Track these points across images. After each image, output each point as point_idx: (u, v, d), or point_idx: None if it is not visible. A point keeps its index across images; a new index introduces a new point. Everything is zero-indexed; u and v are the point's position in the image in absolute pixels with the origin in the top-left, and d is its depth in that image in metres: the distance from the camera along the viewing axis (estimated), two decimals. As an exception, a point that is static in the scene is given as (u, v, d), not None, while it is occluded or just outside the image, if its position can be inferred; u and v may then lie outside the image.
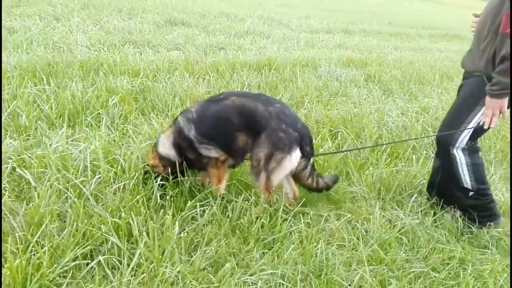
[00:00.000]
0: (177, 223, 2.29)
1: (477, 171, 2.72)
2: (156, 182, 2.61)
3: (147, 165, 2.76)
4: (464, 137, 2.65)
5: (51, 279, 1.85)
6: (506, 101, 2.42)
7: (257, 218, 2.45)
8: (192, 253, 2.22)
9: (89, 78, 4.40)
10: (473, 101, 2.58)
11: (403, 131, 4.23)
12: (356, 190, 3.05)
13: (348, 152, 3.41)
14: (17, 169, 2.55)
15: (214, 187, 2.68)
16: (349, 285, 2.06)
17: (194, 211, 2.49)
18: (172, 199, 2.59)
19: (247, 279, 2.01)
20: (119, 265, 2.02)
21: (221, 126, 2.54)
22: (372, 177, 3.17)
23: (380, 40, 10.95)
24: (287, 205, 2.69)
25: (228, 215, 2.52)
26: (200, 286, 1.94)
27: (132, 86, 4.40)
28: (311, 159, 2.62)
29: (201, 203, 2.54)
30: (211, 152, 2.60)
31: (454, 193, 2.82)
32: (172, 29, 8.32)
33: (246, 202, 2.59)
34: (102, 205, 2.43)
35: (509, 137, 3.82)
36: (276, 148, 2.43)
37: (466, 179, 2.74)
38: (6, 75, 4.10)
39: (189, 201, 2.52)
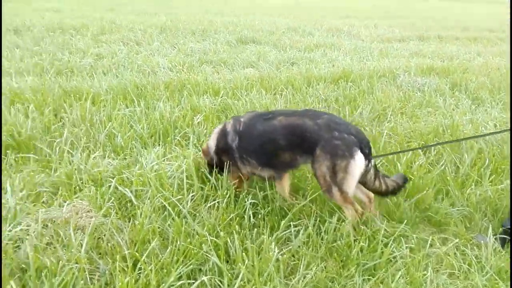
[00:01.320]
0: (273, 243, 2.25)
1: None
2: (248, 200, 2.60)
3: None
4: None
5: (159, 297, 1.89)
6: None
7: (355, 240, 2.33)
8: (290, 277, 2.15)
9: (174, 98, 4.60)
10: None
11: (502, 144, 3.85)
12: (458, 211, 2.79)
13: (446, 168, 3.15)
14: (119, 188, 2.69)
15: (232, 184, 2.74)
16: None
17: (288, 231, 2.43)
18: (264, 218, 2.56)
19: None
20: (221, 285, 2.01)
21: (265, 145, 2.58)
22: (476, 196, 2.89)
23: (459, 46, 10.28)
24: (367, 212, 2.59)
25: (323, 236, 2.43)
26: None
27: (214, 105, 4.52)
28: (372, 161, 2.52)
29: (294, 222, 2.48)
30: (246, 167, 2.71)
31: None
32: (244, 47, 8.52)
33: (342, 222, 2.48)
34: (198, 223, 2.47)
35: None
36: (336, 157, 2.36)
37: None
38: (100, 98, 4.42)
39: (282, 220, 2.48)
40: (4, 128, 3.48)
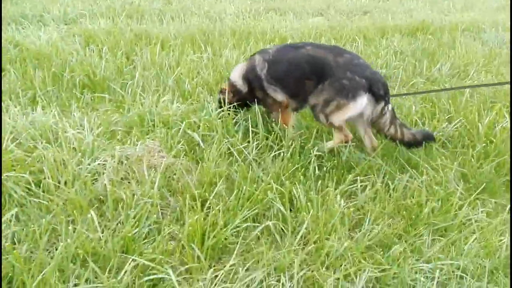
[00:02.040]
0: (338, 196, 2.21)
1: None
2: (313, 152, 2.55)
3: (219, 91, 2.99)
4: None
5: (225, 237, 1.95)
6: None
7: (426, 201, 2.22)
8: (355, 230, 2.12)
9: (240, 45, 4.53)
10: None
11: None
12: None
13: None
14: (188, 131, 2.74)
15: (283, 127, 2.80)
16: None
17: (354, 185, 2.37)
18: (329, 171, 2.51)
19: (422, 266, 1.83)
20: (285, 232, 2.03)
21: (292, 71, 2.65)
22: None
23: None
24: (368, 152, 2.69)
25: (391, 193, 2.34)
26: (369, 265, 1.83)
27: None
28: (390, 106, 2.57)
29: (361, 177, 2.40)
30: (277, 94, 2.75)
31: None
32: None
33: (414, 180, 2.36)
34: (263, 170, 2.47)
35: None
36: (338, 95, 2.49)
37: None
38: (169, 43, 4.47)
39: (348, 174, 2.41)
40: (80, 67, 3.65)
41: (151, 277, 1.73)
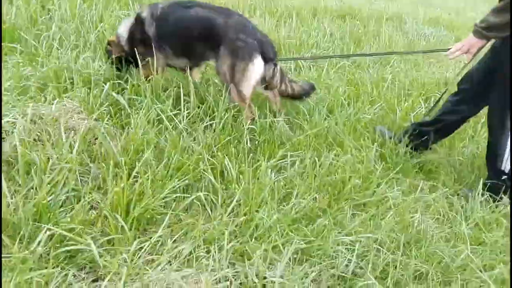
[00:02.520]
0: (269, 170, 2.22)
1: None
2: (246, 125, 2.53)
3: (107, 43, 2.88)
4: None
5: (152, 208, 1.86)
6: (480, 42, 2.28)
7: (349, 177, 2.33)
8: (283, 203, 2.15)
9: None
10: None
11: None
12: (449, 162, 2.83)
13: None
14: (112, 94, 2.54)
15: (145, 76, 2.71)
16: (452, 261, 1.93)
17: (284, 160, 2.40)
18: (261, 145, 2.51)
19: (344, 239, 1.93)
20: (216, 204, 1.99)
21: (182, 32, 2.63)
22: (467, 151, 2.93)
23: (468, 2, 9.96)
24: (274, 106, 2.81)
25: (317, 170, 2.42)
26: (296, 237, 1.88)
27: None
28: (278, 65, 2.68)
29: (290, 153, 2.44)
30: (166, 53, 2.71)
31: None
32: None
33: (339, 158, 2.46)
34: (193, 140, 2.39)
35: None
36: (237, 58, 2.50)
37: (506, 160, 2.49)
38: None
39: (279, 149, 2.43)
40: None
41: (69, 248, 1.59)
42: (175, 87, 2.75)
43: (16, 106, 2.23)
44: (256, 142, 2.51)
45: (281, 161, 2.39)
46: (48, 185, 1.75)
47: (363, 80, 3.71)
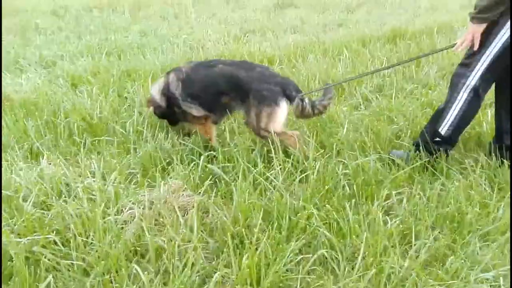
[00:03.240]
0: (379, 213, 2.17)
1: (464, 117, 2.58)
2: (339, 169, 2.52)
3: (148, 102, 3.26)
4: (476, 73, 2.45)
5: (282, 274, 1.86)
6: (480, 27, 2.36)
7: (467, 206, 2.22)
8: (405, 247, 2.08)
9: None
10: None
11: None
12: None
13: None
14: (208, 165, 2.65)
15: (206, 137, 3.10)
16: None
17: (390, 200, 2.35)
18: (360, 187, 2.48)
19: (485, 276, 1.81)
20: (338, 260, 1.96)
21: (207, 89, 2.93)
22: None
23: None
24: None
25: (427, 204, 2.32)
26: (433, 282, 1.79)
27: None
28: (306, 99, 2.90)
29: (394, 191, 2.39)
30: (193, 110, 3.01)
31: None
32: (282, 11, 8.23)
33: (444, 188, 2.36)
34: (293, 196, 2.41)
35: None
36: (263, 105, 2.76)
37: (446, 123, 2.61)
38: (158, 77, 4.37)
39: (381, 190, 2.39)
40: (74, 112, 3.49)
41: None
42: (262, 145, 2.83)
43: (128, 195, 2.39)
44: (354, 185, 2.48)
45: (386, 202, 2.34)
46: (182, 269, 1.82)
47: (437, 98, 3.61)
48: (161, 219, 2.19)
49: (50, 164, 2.78)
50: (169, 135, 3.12)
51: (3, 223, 2.12)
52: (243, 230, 2.09)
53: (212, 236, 2.16)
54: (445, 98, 2.67)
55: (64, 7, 8.88)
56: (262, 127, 2.79)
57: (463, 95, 2.54)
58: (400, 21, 6.49)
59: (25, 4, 9.12)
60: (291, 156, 2.73)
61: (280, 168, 2.60)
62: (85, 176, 2.62)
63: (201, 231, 2.15)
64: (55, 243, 2.02)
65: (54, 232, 2.05)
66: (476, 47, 2.42)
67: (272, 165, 2.67)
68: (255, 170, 2.50)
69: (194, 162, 2.72)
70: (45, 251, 1.94)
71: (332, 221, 2.16)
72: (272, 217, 2.21)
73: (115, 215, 2.18)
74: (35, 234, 2.06)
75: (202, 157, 2.68)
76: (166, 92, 3.07)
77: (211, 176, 2.58)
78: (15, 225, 2.12)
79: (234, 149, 2.78)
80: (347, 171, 2.57)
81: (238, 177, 2.46)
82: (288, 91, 2.83)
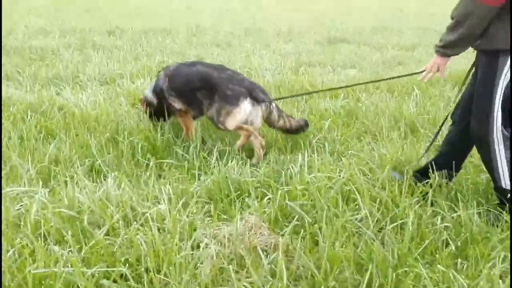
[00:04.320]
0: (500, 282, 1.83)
1: None
2: (438, 222, 2.20)
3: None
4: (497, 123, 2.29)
5: None
6: (444, 60, 2.37)
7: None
8: None
9: (292, 101, 4.30)
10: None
11: None
12: None
13: None
14: (288, 202, 2.39)
15: (185, 132, 3.41)
16: None
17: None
18: (463, 244, 2.15)
19: None
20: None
21: (186, 85, 3.26)
22: None
23: None
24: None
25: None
26: None
27: (335, 108, 4.17)
28: (274, 104, 3.23)
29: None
30: (176, 103, 3.33)
31: None
32: (335, 47, 8.11)
33: None
34: (385, 247, 2.11)
35: None
36: (225, 103, 3.08)
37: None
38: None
39: (490, 251, 2.05)
40: (137, 131, 3.36)
41: None
42: (342, 184, 2.56)
43: (201, 227, 2.16)
44: (458, 242, 2.15)
45: (503, 265, 1.99)
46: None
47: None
48: (242, 260, 1.93)
49: (115, 184, 2.60)
50: (238, 163, 2.90)
51: (68, 249, 1.92)
52: (335, 284, 1.80)
53: (297, 287, 1.88)
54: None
55: (120, 28, 9.13)
56: (220, 121, 3.13)
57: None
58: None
59: (83, 24, 9.46)
60: (377, 200, 2.44)
61: (367, 212, 2.31)
62: (151, 201, 2.42)
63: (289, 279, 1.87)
64: (125, 277, 1.79)
65: (125, 264, 1.82)
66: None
67: (356, 206, 2.39)
68: (343, 219, 2.20)
69: (268, 197, 2.47)
70: (114, 286, 1.70)
71: (441, 284, 1.83)
72: (365, 269, 1.91)
73: (191, 250, 1.93)
74: (102, 263, 1.85)
75: (278, 193, 2.43)
76: (156, 89, 3.40)
77: (290, 214, 2.31)
78: (81, 250, 1.92)
79: (311, 186, 2.52)
80: (448, 224, 2.24)
81: (321, 218, 2.19)
82: (254, 93, 3.11)
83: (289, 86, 4.87)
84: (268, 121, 3.25)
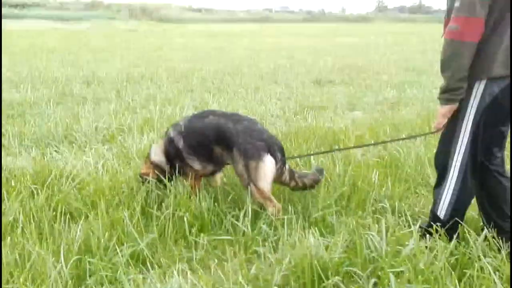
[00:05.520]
0: None
1: None
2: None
3: (140, 175, 3.13)
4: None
5: None
6: (450, 108, 2.28)
7: None
8: None
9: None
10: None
11: None
12: None
13: None
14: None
15: (192, 191, 3.00)
16: None
17: None
18: None
19: None
20: None
21: (202, 140, 2.96)
22: None
23: None
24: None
25: None
26: None
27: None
28: (286, 164, 2.93)
29: None
30: (195, 163, 3.00)
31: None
32: (322, 89, 8.02)
33: None
34: None
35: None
36: (248, 158, 2.75)
37: None
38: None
39: None
40: (175, 202, 2.87)
41: None
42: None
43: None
44: None
45: None
46: None
47: None
48: None
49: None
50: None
51: None
52: None
53: None
54: None
55: (96, 77, 8.58)
56: (252, 180, 2.75)
57: None
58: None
59: (55, 73, 8.82)
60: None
61: None
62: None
63: None
64: None
65: None
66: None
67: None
68: None
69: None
70: None
71: None
72: None
73: None
74: None
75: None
76: (168, 149, 3.05)
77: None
78: None
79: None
80: None
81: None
82: (272, 150, 2.81)
83: (306, 134, 4.57)
84: (280, 182, 2.97)
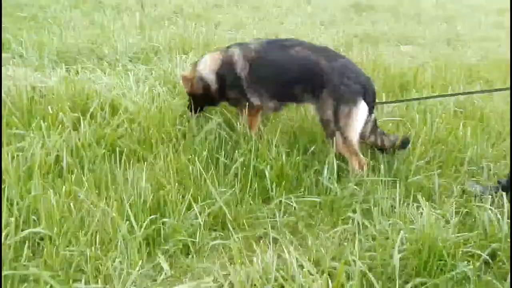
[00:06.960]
0: None
1: None
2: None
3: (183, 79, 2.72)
4: None
5: None
6: None
7: None
8: None
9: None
10: None
11: None
12: None
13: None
14: None
15: (249, 130, 2.60)
16: None
17: None
18: None
19: None
20: None
21: (279, 74, 2.50)
22: None
23: None
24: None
25: None
26: None
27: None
28: (373, 114, 2.52)
29: None
30: (256, 98, 2.57)
31: None
32: (366, 16, 7.20)
33: None
34: None
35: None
36: (341, 102, 2.36)
37: None
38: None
39: None
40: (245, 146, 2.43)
41: None
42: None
43: None
44: None
45: None
46: None
47: None
48: None
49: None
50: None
51: None
52: None
53: None
54: None
55: None
56: (341, 129, 2.38)
57: None
58: None
59: None
60: None
61: None
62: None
63: None
64: None
65: None
66: None
67: None
68: None
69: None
70: None
71: None
72: None
73: None
74: None
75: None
76: (224, 71, 2.58)
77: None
78: None
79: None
80: None
81: None
82: (366, 95, 2.40)
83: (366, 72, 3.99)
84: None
